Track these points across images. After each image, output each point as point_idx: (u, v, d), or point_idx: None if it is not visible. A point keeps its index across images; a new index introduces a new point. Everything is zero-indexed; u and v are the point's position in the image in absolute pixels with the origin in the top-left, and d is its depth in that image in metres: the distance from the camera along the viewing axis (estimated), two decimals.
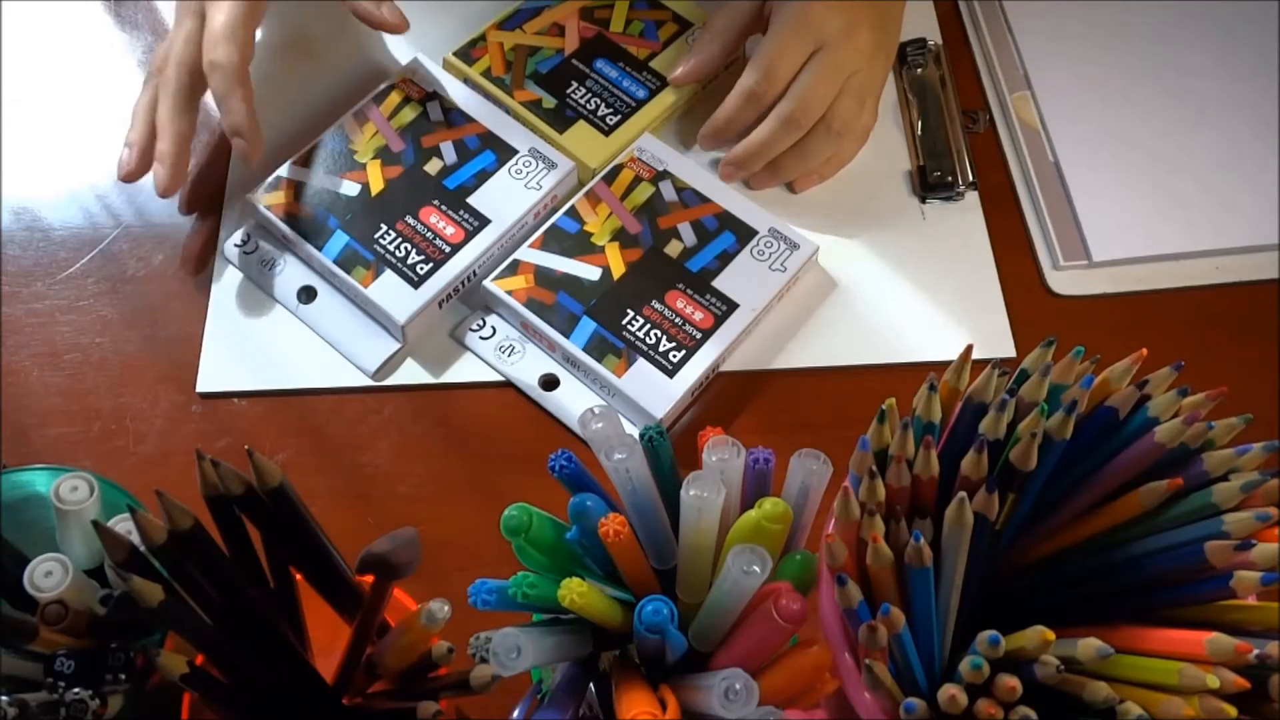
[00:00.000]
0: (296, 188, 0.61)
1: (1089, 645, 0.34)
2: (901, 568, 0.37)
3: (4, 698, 0.38)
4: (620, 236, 0.61)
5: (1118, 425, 0.39)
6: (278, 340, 0.60)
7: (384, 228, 0.60)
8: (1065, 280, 0.63)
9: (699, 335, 0.58)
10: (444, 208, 0.61)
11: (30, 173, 0.66)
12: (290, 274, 0.61)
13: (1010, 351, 0.60)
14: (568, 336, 0.58)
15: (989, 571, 0.39)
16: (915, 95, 0.68)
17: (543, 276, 0.59)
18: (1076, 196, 0.64)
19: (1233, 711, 0.34)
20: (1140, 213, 0.64)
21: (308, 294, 0.61)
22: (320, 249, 0.59)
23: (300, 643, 0.41)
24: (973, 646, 0.35)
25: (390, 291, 0.59)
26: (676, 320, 0.59)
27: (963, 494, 0.36)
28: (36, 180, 0.66)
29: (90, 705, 0.40)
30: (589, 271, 0.60)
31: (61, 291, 0.62)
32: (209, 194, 0.65)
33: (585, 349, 0.57)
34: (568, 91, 0.66)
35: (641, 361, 0.57)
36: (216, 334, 0.60)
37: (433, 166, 0.62)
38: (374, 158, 0.62)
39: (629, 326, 0.58)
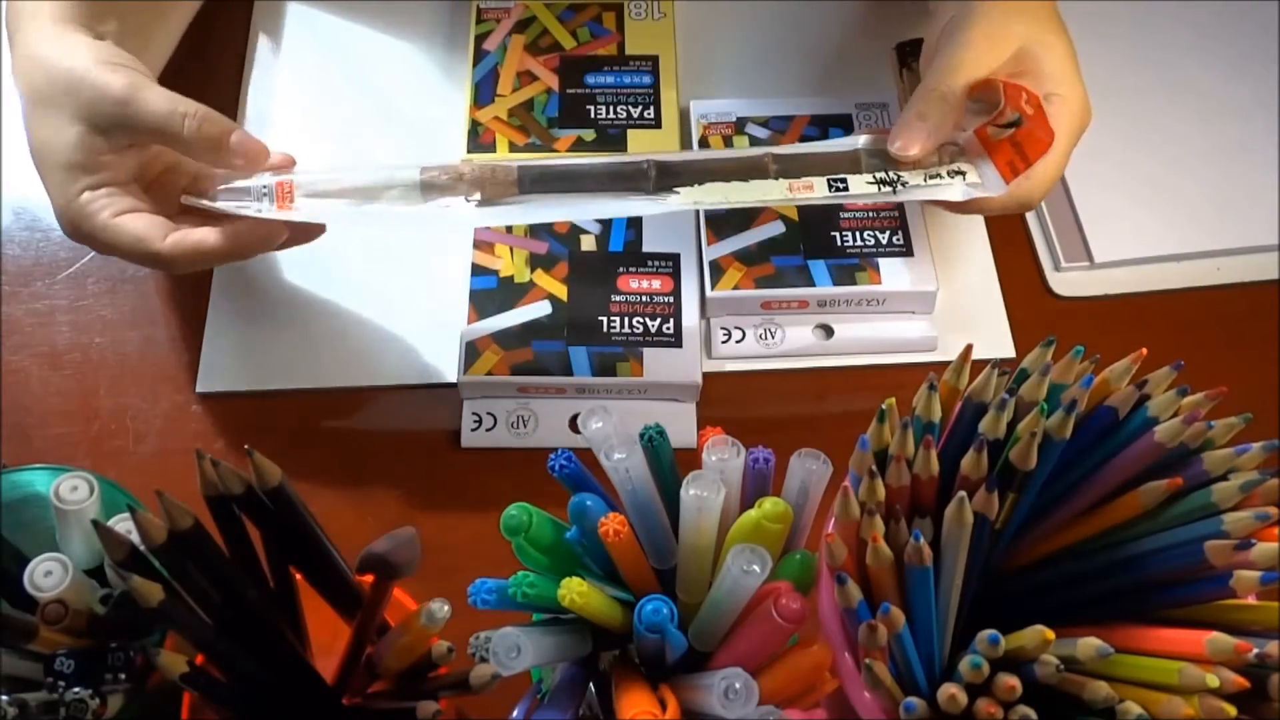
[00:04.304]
0: (495, 340, 0.57)
1: (1089, 645, 0.34)
2: (901, 567, 0.37)
3: (4, 698, 0.39)
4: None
5: (1117, 425, 0.39)
6: (278, 340, 0.60)
7: (603, 320, 0.58)
8: (1066, 282, 0.63)
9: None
10: (633, 269, 0.59)
11: (30, 173, 0.66)
12: (552, 415, 0.57)
13: (1010, 352, 0.60)
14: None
15: (989, 571, 0.39)
16: None
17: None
18: (1078, 198, 0.64)
19: (1232, 711, 0.34)
20: (1142, 214, 0.64)
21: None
22: (571, 374, 0.56)
23: (300, 643, 0.41)
24: (972, 646, 0.35)
25: (665, 364, 0.56)
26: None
27: (963, 494, 0.36)
28: (36, 180, 0.66)
29: (90, 705, 0.40)
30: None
31: (61, 291, 0.62)
32: None
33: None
34: (591, 116, 0.64)
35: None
36: (216, 334, 0.60)
37: (587, 243, 0.60)
38: (534, 269, 0.59)
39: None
